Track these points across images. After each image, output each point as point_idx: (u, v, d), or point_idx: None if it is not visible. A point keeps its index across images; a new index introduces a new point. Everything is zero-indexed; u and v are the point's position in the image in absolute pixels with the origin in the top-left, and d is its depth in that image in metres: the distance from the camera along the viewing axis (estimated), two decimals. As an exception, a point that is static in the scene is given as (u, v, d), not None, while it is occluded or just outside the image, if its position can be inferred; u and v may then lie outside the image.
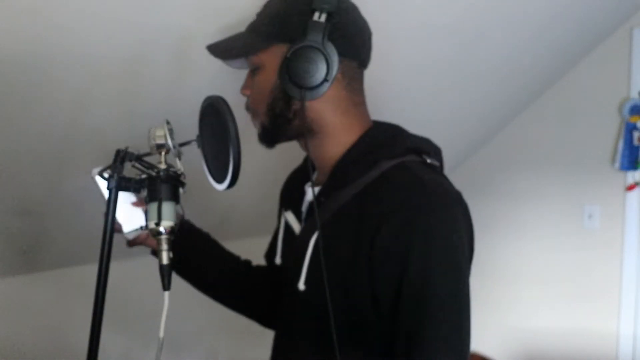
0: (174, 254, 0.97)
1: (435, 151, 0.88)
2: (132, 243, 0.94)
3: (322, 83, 0.78)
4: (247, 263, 1.11)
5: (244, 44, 0.84)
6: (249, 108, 0.88)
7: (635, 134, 2.10)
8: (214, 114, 0.77)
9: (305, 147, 0.88)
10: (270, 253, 1.10)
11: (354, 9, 0.85)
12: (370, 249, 0.76)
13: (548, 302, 2.38)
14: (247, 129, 0.90)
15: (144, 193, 0.76)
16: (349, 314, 0.79)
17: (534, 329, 2.41)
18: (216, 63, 1.12)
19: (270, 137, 0.87)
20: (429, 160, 0.84)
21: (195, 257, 1.02)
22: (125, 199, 0.91)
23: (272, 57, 0.81)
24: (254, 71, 0.85)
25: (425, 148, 0.86)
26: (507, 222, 2.48)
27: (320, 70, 0.78)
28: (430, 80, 1.69)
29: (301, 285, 0.84)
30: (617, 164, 2.14)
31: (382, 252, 0.75)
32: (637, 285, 2.15)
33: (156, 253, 0.96)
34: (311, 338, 0.86)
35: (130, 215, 0.89)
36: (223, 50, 0.87)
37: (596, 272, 2.25)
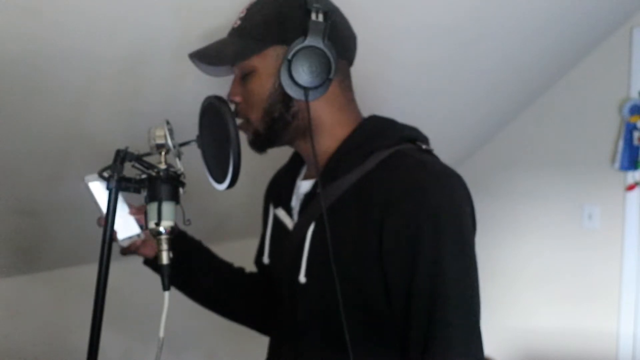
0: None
1: (424, 139, 0.88)
2: (125, 251, 0.92)
3: (324, 82, 0.79)
4: (241, 270, 1.09)
5: (237, 49, 0.81)
6: (238, 114, 0.85)
7: (635, 134, 2.10)
8: (214, 114, 0.77)
9: (302, 146, 0.87)
10: (259, 258, 1.09)
11: (339, 10, 0.85)
12: (380, 235, 0.75)
13: (548, 302, 2.37)
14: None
15: (144, 193, 0.76)
16: (356, 300, 0.78)
17: (534, 329, 2.41)
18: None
19: (264, 142, 0.85)
20: (424, 147, 0.84)
21: (189, 268, 0.99)
22: (120, 207, 0.91)
23: (267, 61, 0.80)
24: (245, 77, 0.82)
25: (418, 136, 0.87)
26: (507, 222, 2.48)
27: (323, 70, 0.78)
28: (430, 80, 1.69)
29: (302, 278, 0.83)
30: (617, 164, 2.13)
31: (393, 237, 0.75)
32: (637, 285, 2.15)
33: (149, 262, 0.96)
34: (316, 330, 0.86)
35: (124, 223, 0.88)
36: (213, 56, 0.82)
37: (596, 272, 2.24)
